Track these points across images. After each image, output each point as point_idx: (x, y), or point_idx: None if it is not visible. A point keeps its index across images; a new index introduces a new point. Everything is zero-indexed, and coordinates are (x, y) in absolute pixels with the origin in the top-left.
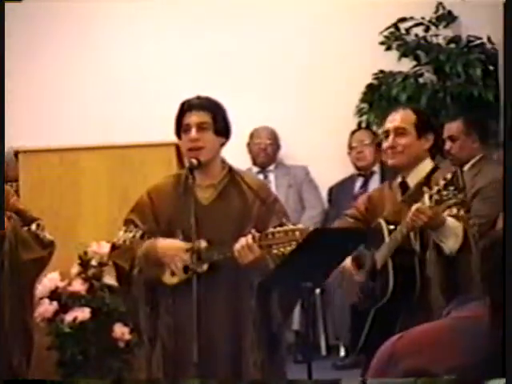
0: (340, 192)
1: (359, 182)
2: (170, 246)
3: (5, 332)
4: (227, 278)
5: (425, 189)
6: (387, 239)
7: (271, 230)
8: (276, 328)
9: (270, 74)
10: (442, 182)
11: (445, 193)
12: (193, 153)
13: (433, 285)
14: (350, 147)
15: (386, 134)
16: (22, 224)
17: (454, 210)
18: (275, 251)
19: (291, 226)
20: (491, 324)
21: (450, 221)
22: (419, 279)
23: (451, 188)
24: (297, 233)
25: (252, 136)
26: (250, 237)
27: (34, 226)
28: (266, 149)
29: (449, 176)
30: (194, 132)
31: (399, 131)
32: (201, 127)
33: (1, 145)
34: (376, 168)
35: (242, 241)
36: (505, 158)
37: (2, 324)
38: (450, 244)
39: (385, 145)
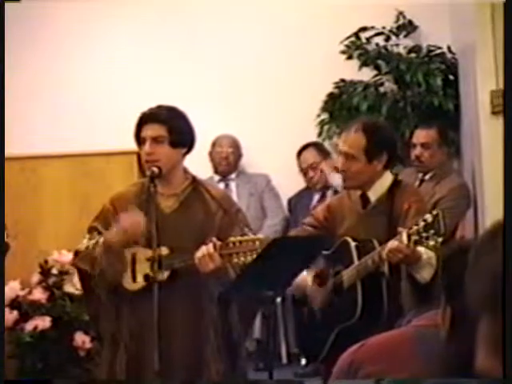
0: (298, 203)
1: (317, 196)
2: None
3: None
4: (188, 287)
5: (400, 229)
6: (356, 260)
7: (232, 239)
8: (237, 337)
9: (232, 83)
10: (421, 224)
11: (424, 235)
12: (147, 165)
13: (403, 309)
14: (300, 168)
15: (339, 154)
16: None
17: (432, 242)
18: (236, 260)
19: (251, 236)
20: (450, 335)
21: (425, 253)
22: (386, 303)
23: (431, 231)
24: (257, 242)
25: (214, 144)
26: (211, 245)
27: None
28: (228, 157)
29: (429, 219)
30: (147, 146)
31: (349, 157)
32: (155, 140)
33: (1, 146)
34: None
35: (203, 249)
36: (505, 157)
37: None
38: (425, 274)
39: (338, 165)
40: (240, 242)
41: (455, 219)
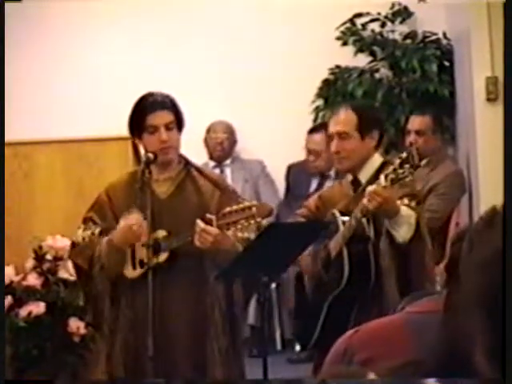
0: (297, 175)
1: (315, 183)
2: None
3: None
4: (187, 267)
5: (381, 176)
6: (341, 228)
7: (228, 209)
8: (238, 317)
9: (227, 69)
10: (397, 161)
11: (400, 171)
12: (163, 153)
13: (386, 274)
14: (306, 146)
15: (331, 137)
16: None
17: (406, 201)
18: (233, 229)
19: (247, 203)
20: (444, 318)
21: (404, 209)
22: (374, 267)
23: (406, 166)
24: (253, 209)
25: (208, 130)
26: (205, 221)
27: None
28: (222, 143)
29: (404, 155)
30: (163, 134)
31: (342, 136)
32: (167, 127)
33: (1, 144)
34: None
35: (200, 224)
36: (505, 156)
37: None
38: (403, 232)
39: (331, 149)
40: (236, 210)
41: (450, 205)
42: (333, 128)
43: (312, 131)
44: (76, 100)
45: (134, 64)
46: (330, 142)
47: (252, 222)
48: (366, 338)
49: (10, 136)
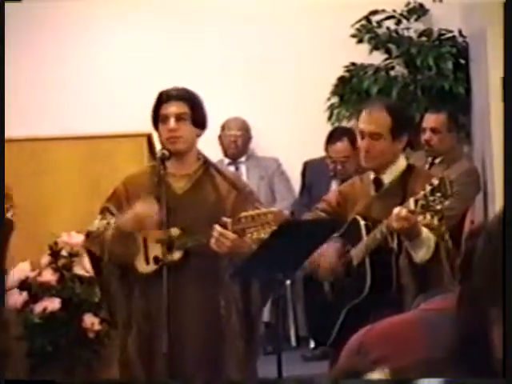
0: (315, 173)
1: (334, 185)
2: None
3: None
4: (202, 267)
5: (411, 200)
6: (365, 237)
7: (244, 214)
8: (254, 315)
9: (242, 65)
10: (428, 188)
11: (431, 198)
12: (170, 142)
13: (405, 288)
14: (327, 154)
15: (362, 135)
16: None
17: (428, 216)
18: (249, 235)
19: (264, 209)
20: (456, 313)
21: (425, 232)
22: (395, 280)
23: (438, 194)
24: (269, 215)
25: (223, 128)
26: (219, 225)
27: None
28: (237, 140)
29: (435, 182)
30: (172, 122)
31: (374, 136)
32: (179, 117)
33: (1, 143)
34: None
35: (217, 228)
36: (505, 155)
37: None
38: (421, 254)
39: (360, 145)
40: (252, 216)
41: (465, 203)
42: (365, 127)
43: (331, 140)
44: (92, 97)
45: (149, 61)
46: (360, 139)
47: (268, 229)
48: (381, 335)
49: (26, 132)
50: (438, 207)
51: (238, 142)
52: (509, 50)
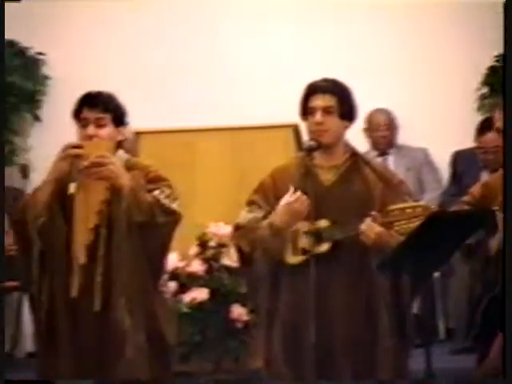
0: (466, 164)
1: (484, 176)
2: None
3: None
4: (351, 259)
5: None
6: (501, 226)
7: (392, 207)
8: (404, 309)
9: (388, 56)
10: None
11: None
12: (317, 135)
13: None
14: (479, 146)
15: (497, 131)
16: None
17: None
18: (397, 228)
19: (412, 203)
20: None
21: None
22: None
23: None
24: (418, 209)
25: (369, 121)
26: (369, 219)
27: (157, 192)
28: (384, 134)
29: None
30: (319, 116)
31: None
32: (326, 111)
33: (1, 144)
34: None
35: (367, 221)
36: (505, 155)
37: (2, 317)
38: None
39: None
40: (400, 209)
41: None
42: (499, 123)
43: (482, 130)
44: (238, 88)
45: (292, 51)
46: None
47: (416, 222)
48: None
49: (173, 124)
50: None
51: (387, 134)
52: (509, 49)
